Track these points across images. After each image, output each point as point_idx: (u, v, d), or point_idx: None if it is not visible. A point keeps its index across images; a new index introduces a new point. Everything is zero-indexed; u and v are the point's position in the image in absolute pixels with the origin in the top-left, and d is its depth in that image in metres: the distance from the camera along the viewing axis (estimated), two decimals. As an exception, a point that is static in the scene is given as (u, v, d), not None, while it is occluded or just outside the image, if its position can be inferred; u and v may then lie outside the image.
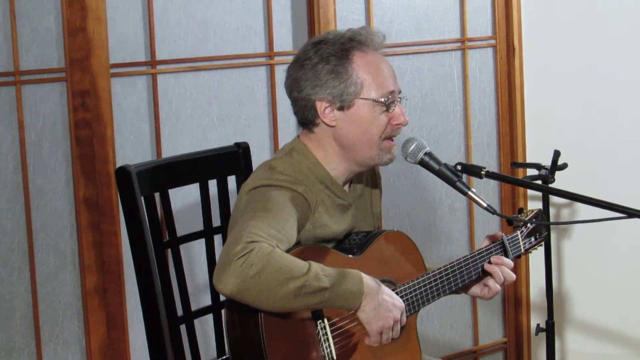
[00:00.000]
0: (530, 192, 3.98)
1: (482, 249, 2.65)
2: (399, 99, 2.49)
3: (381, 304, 2.32)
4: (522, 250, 2.76)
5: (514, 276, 2.64)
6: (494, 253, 2.67)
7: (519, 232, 2.75)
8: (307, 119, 2.49)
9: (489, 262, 2.63)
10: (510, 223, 2.77)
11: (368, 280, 2.31)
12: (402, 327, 2.41)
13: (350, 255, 2.44)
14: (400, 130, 2.51)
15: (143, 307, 2.61)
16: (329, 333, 2.33)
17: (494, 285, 2.63)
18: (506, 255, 2.69)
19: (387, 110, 2.46)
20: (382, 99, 2.45)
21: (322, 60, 2.44)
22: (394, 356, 2.46)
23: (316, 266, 2.23)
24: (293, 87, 2.48)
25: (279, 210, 2.32)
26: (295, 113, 2.51)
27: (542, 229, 2.82)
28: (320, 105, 2.45)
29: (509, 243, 2.70)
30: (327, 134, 2.48)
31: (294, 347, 2.29)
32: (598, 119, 3.95)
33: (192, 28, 3.31)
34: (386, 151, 2.49)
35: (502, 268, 2.63)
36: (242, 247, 2.16)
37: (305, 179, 2.45)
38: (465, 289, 2.67)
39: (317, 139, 2.50)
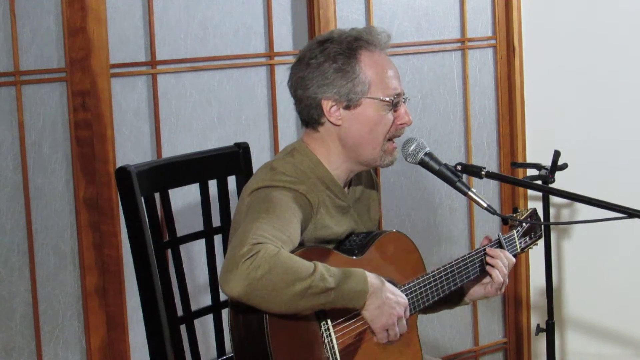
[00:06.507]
0: (530, 192, 3.98)
1: (480, 248, 2.66)
2: (403, 100, 2.50)
3: (385, 302, 2.32)
4: (519, 250, 2.77)
5: (513, 260, 2.64)
6: None
7: (514, 231, 2.77)
8: (311, 118, 2.48)
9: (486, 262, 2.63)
10: (506, 222, 2.78)
11: (372, 278, 2.31)
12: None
13: (351, 257, 2.44)
14: (403, 131, 2.52)
15: (143, 307, 2.61)
16: (332, 334, 2.33)
17: (497, 276, 2.61)
18: None
19: (393, 109, 2.47)
20: (388, 99, 2.45)
21: (328, 58, 2.43)
22: (396, 356, 2.46)
23: (321, 267, 2.23)
24: (298, 85, 2.47)
25: (282, 211, 2.31)
26: (299, 112, 2.51)
27: (537, 228, 2.83)
28: (326, 104, 2.45)
29: (506, 242, 2.71)
30: (332, 132, 2.48)
31: (298, 349, 2.29)
32: (598, 119, 3.95)
33: (192, 28, 3.31)
34: (388, 153, 2.50)
35: (497, 263, 2.62)
36: (248, 249, 2.16)
37: (307, 179, 2.45)
38: (467, 294, 2.68)
39: (321, 138, 2.50)
